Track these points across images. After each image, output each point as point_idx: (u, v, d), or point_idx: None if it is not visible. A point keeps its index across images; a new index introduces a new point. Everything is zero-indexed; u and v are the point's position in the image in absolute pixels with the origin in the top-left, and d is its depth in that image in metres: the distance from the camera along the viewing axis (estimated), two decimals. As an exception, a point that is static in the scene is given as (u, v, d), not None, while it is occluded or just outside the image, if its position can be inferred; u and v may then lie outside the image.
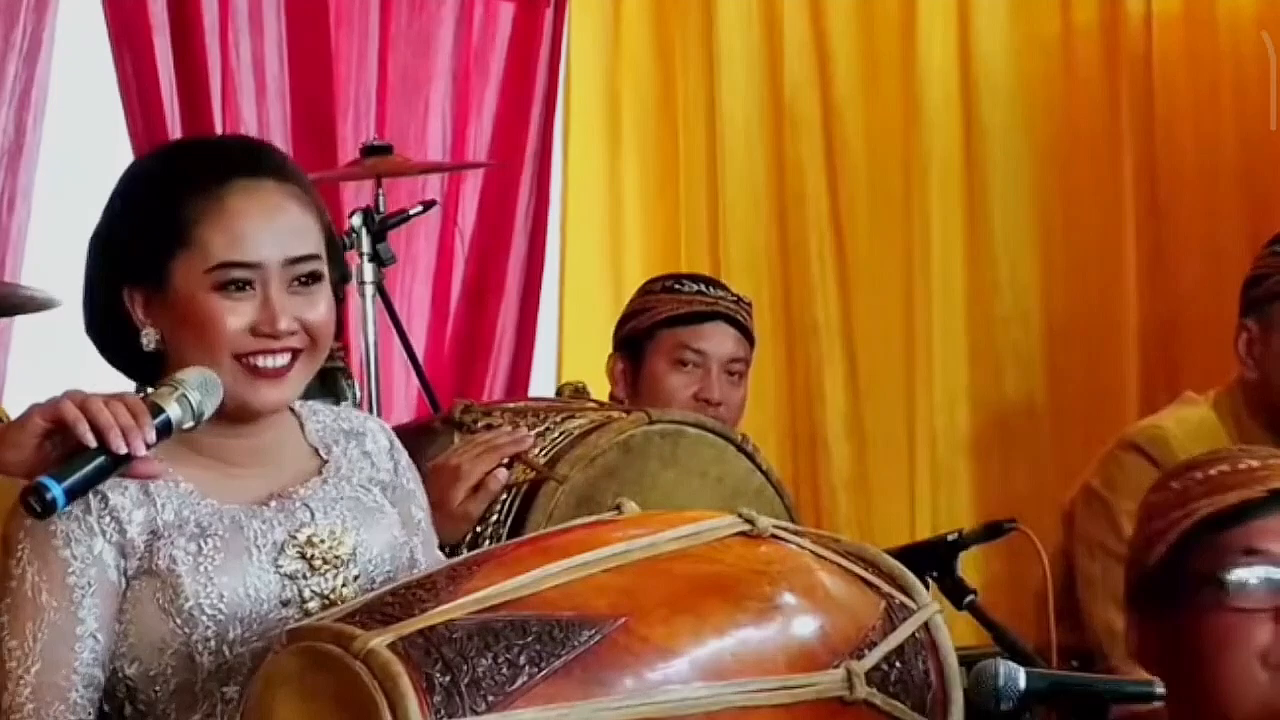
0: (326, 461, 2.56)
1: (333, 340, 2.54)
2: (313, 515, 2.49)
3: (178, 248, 2.43)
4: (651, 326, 4.10)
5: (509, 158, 5.53)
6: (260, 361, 2.45)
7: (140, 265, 2.45)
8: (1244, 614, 2.25)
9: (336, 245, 2.55)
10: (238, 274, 2.43)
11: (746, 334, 4.15)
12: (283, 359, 2.46)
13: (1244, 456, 2.34)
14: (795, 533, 2.52)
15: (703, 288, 4.15)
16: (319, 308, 2.47)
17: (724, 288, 4.19)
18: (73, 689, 2.35)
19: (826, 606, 2.39)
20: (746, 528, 2.45)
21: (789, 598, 2.36)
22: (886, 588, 2.47)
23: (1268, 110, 5.57)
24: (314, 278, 2.47)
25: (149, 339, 2.47)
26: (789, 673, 2.29)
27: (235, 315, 2.43)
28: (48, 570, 2.37)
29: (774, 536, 2.45)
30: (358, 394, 4.57)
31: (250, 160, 2.50)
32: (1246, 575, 2.26)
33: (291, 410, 2.57)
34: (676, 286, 4.16)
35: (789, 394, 5.69)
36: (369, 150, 4.81)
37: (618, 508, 2.55)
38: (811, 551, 2.47)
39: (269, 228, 2.44)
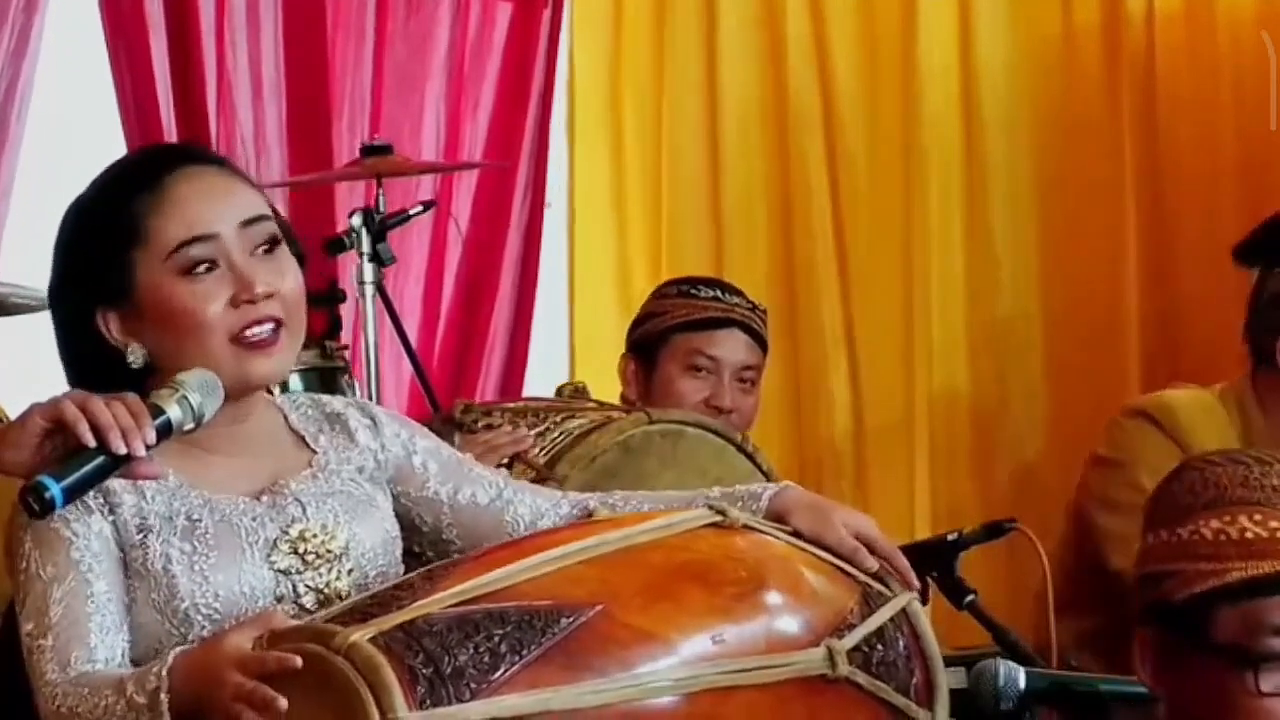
0: (315, 453, 2.55)
1: (305, 318, 2.54)
2: (304, 510, 2.48)
3: (134, 247, 2.44)
4: (665, 331, 4.10)
5: (505, 157, 5.53)
6: (252, 333, 2.44)
7: (103, 281, 2.45)
8: (1269, 697, 2.24)
9: (288, 228, 2.56)
10: (197, 251, 2.43)
11: (760, 341, 4.15)
12: (268, 327, 2.45)
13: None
14: (768, 526, 2.52)
15: (718, 294, 4.15)
16: (287, 277, 2.48)
17: (739, 293, 4.18)
18: (91, 634, 2.34)
19: (803, 590, 2.40)
20: (718, 519, 2.46)
21: (766, 581, 2.37)
22: (862, 576, 2.48)
23: (1268, 110, 5.57)
24: (274, 242, 2.48)
25: (135, 355, 2.46)
26: (769, 653, 2.30)
27: (211, 300, 2.43)
28: (51, 551, 2.37)
29: (746, 527, 2.46)
30: (358, 393, 4.57)
31: (188, 152, 2.56)
32: (1276, 658, 2.24)
33: (275, 404, 2.57)
34: (692, 291, 4.15)
35: (790, 393, 5.69)
36: (368, 150, 4.81)
37: (589, 514, 2.56)
38: (785, 541, 2.48)
39: (217, 202, 2.46)
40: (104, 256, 2.45)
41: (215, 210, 2.45)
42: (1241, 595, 2.24)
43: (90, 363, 2.49)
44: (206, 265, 2.44)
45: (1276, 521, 2.25)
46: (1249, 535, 2.26)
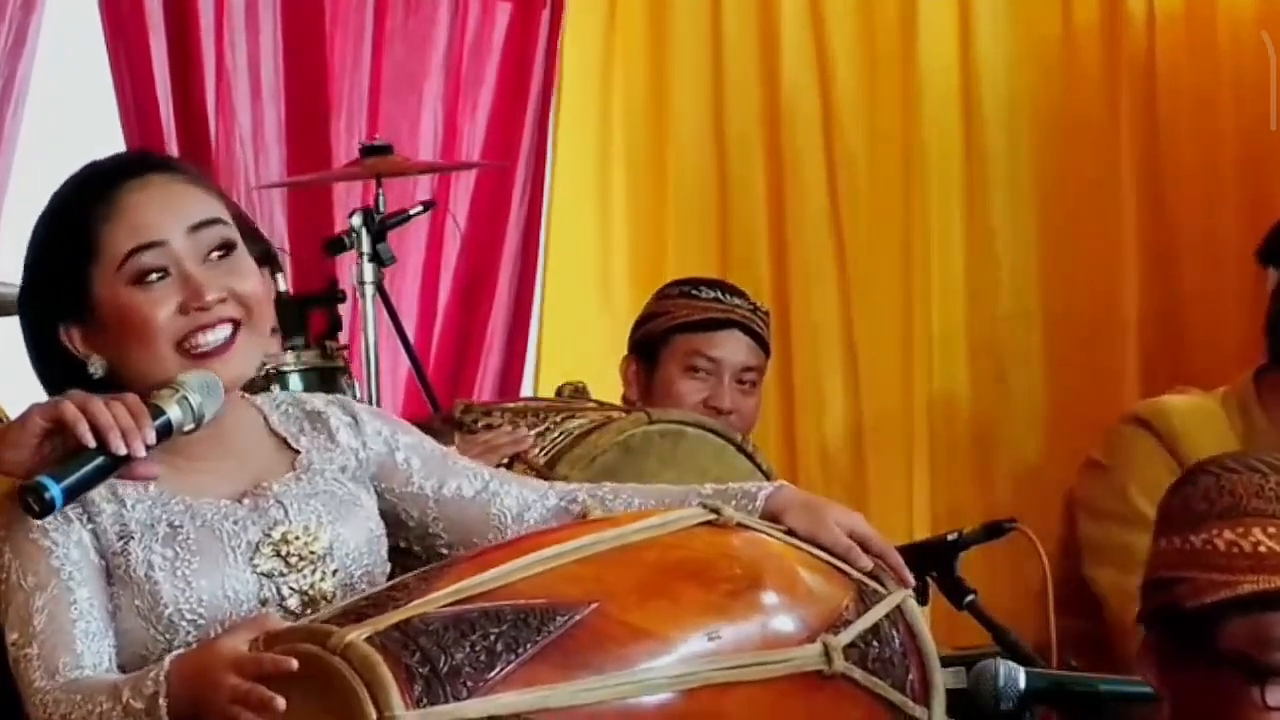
0: (298, 454, 2.55)
1: (271, 315, 2.53)
2: (286, 512, 2.47)
3: (89, 262, 2.43)
4: (666, 331, 4.11)
5: (504, 157, 5.53)
6: (200, 340, 2.43)
7: (63, 295, 2.45)
8: (1275, 711, 2.23)
9: (250, 225, 2.55)
10: (147, 259, 2.42)
11: (761, 342, 4.15)
12: (223, 331, 2.44)
13: None
14: (762, 524, 2.52)
15: (719, 295, 4.15)
16: (247, 280, 2.46)
17: (741, 294, 4.19)
18: (76, 640, 2.33)
19: (798, 587, 2.41)
20: (712, 517, 2.46)
21: (761, 579, 2.37)
22: (856, 574, 2.48)
23: (1268, 110, 5.57)
24: (228, 246, 2.47)
25: (95, 367, 2.45)
26: (765, 649, 2.30)
27: (161, 306, 2.41)
28: (31, 561, 2.36)
29: (740, 525, 2.47)
30: (358, 393, 4.57)
31: (135, 163, 2.53)
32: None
33: (254, 406, 2.57)
34: (693, 292, 4.16)
35: (788, 393, 5.69)
36: (368, 150, 4.81)
37: (584, 514, 2.56)
38: (780, 539, 2.49)
39: (163, 209, 2.45)
40: (62, 272, 2.45)
41: (162, 216, 2.44)
42: (1252, 608, 2.24)
43: (59, 371, 2.48)
44: (158, 274, 2.42)
45: None
46: (1262, 549, 2.26)
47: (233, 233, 2.48)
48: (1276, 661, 2.23)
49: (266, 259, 2.55)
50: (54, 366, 2.49)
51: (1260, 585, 2.23)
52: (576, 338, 5.58)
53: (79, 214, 2.46)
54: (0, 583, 2.37)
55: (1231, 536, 2.27)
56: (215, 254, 2.45)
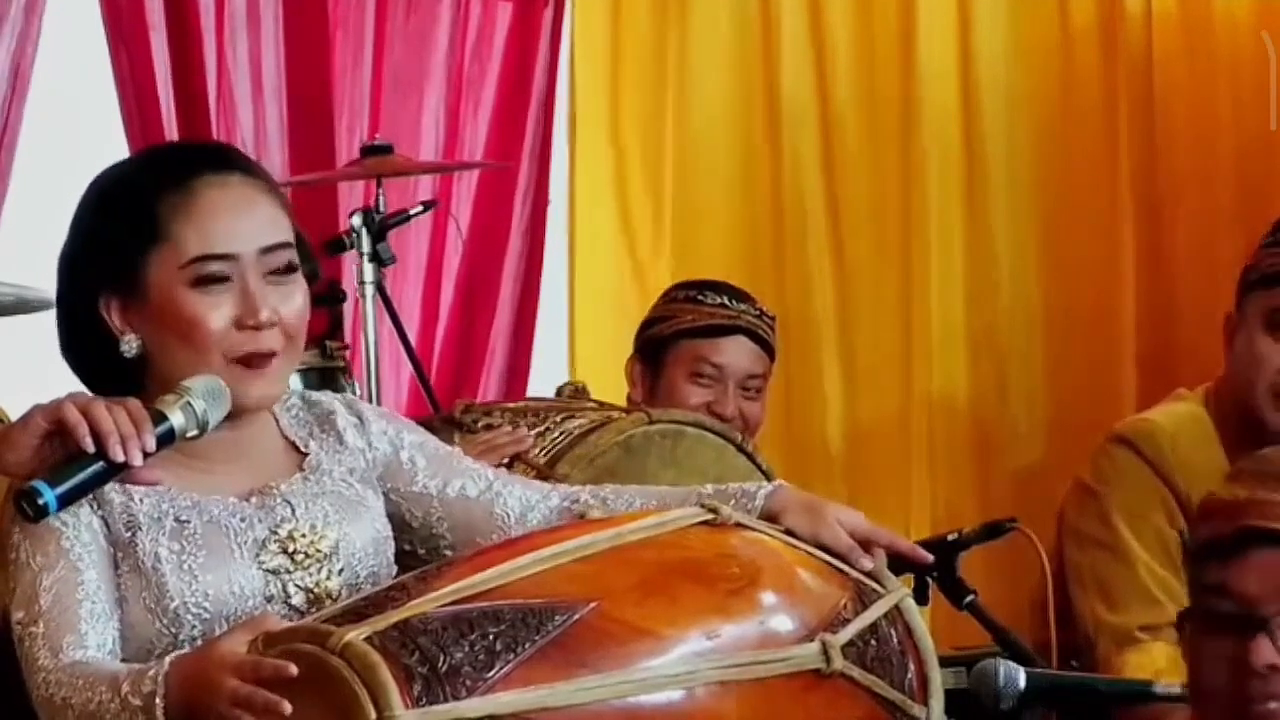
0: (306, 455, 2.56)
1: (306, 337, 2.55)
2: (293, 511, 2.49)
3: (151, 245, 2.44)
4: (672, 336, 4.11)
5: (506, 158, 5.52)
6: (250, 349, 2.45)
7: (114, 268, 2.46)
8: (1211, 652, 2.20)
9: (305, 242, 2.56)
10: (214, 267, 2.44)
11: (767, 348, 4.15)
12: (267, 348, 2.46)
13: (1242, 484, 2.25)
14: (760, 524, 2.53)
15: (726, 300, 4.15)
16: (295, 299, 2.49)
17: (747, 299, 4.18)
18: (81, 621, 2.34)
19: (796, 586, 2.42)
20: (710, 517, 2.47)
21: (759, 578, 2.38)
22: (854, 573, 2.49)
23: (1267, 110, 5.57)
24: (290, 268, 2.49)
25: (129, 345, 2.47)
26: (764, 648, 2.31)
27: (216, 311, 2.44)
28: (41, 543, 2.38)
29: (738, 525, 2.47)
30: (358, 394, 4.57)
31: (216, 157, 2.53)
32: (1214, 611, 2.19)
33: (268, 410, 2.57)
34: (699, 297, 4.16)
35: (787, 393, 5.68)
36: (369, 150, 4.81)
37: (582, 515, 2.57)
38: (777, 538, 2.49)
39: (241, 219, 2.46)
40: (119, 247, 2.45)
41: (239, 229, 2.45)
42: (1200, 556, 2.21)
43: (85, 340, 2.50)
44: (220, 280, 2.44)
45: (1245, 490, 2.22)
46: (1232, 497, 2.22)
47: (295, 255, 2.50)
48: (1206, 599, 2.18)
49: (313, 278, 2.56)
50: (83, 336, 2.50)
51: (1199, 534, 2.19)
52: (601, 337, 5.57)
53: (148, 193, 2.45)
54: (9, 563, 2.39)
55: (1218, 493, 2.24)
56: (276, 273, 2.47)
